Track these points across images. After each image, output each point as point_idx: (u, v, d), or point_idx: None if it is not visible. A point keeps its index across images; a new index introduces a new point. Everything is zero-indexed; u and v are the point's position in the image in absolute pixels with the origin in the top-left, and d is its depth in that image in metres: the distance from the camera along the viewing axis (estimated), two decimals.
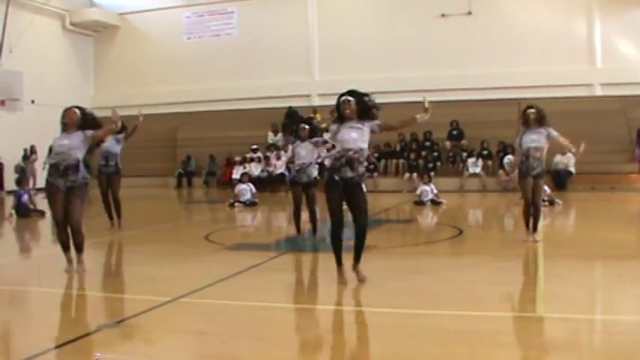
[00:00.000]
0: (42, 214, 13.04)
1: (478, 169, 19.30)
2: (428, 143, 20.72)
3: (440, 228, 11.64)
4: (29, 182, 15.31)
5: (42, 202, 14.38)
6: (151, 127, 24.33)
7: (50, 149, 6.99)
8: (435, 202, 14.51)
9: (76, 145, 6.80)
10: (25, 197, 13.19)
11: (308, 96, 23.56)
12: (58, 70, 24.52)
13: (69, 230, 6.85)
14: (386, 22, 22.85)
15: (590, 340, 4.58)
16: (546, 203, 12.53)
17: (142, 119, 10.73)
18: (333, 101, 6.39)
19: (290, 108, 22.09)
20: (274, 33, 24.09)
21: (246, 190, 15.21)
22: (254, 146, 21.51)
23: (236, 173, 20.13)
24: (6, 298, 6.02)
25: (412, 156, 20.23)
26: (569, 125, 17.56)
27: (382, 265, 7.11)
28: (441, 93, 21.73)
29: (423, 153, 20.38)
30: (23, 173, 19.41)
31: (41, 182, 19.36)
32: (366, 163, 6.06)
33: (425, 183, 15.06)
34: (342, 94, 6.14)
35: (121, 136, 10.49)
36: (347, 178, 5.95)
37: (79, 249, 6.90)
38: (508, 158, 18.40)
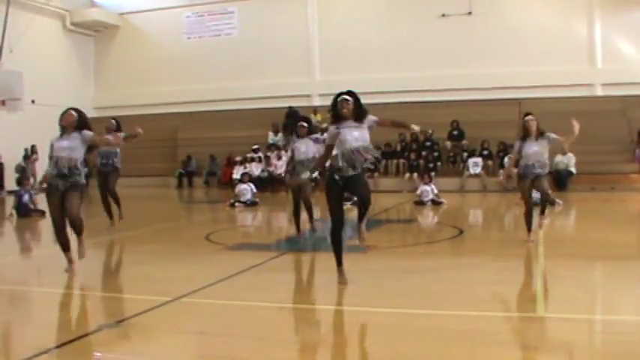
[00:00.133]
0: (42, 213, 13.03)
1: (478, 170, 19.29)
2: (428, 143, 20.71)
3: (440, 228, 11.64)
4: (30, 182, 15.27)
5: (42, 202, 14.39)
6: (152, 127, 24.32)
7: (51, 154, 6.97)
8: (435, 202, 14.51)
9: (75, 146, 6.82)
10: (26, 197, 13.19)
11: (308, 96, 23.56)
12: (58, 70, 24.53)
13: (67, 227, 6.87)
14: (386, 22, 22.85)
15: (591, 340, 4.58)
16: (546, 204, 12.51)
17: (141, 132, 10.69)
18: None
19: (290, 108, 22.11)
20: (274, 33, 24.10)
21: (247, 190, 15.21)
22: (255, 146, 21.52)
23: (236, 173, 20.13)
24: (6, 298, 6.03)
25: (412, 156, 20.23)
26: (570, 125, 17.64)
27: (382, 265, 7.11)
28: (442, 93, 21.82)
29: (424, 153, 20.38)
30: (24, 173, 19.42)
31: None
32: (372, 159, 6.06)
33: (425, 183, 15.06)
34: (340, 94, 6.15)
35: (120, 134, 10.45)
36: (348, 176, 5.96)
37: (79, 232, 6.92)
38: (509, 157, 18.39)
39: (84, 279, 6.72)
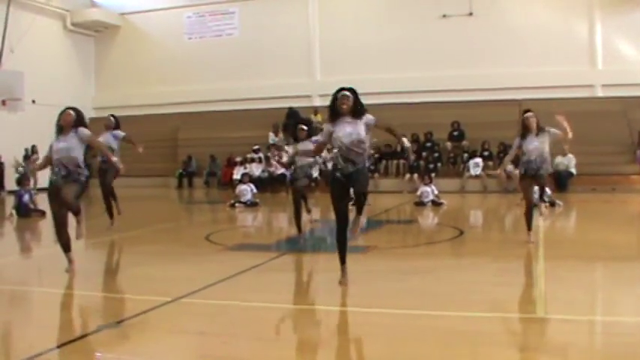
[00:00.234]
0: (42, 214, 13.04)
1: (479, 171, 19.29)
2: (429, 144, 20.72)
3: (440, 229, 11.64)
4: (30, 182, 15.27)
5: (43, 202, 14.38)
6: (152, 127, 24.43)
7: (49, 154, 6.98)
8: (435, 203, 14.50)
9: (73, 145, 6.81)
10: (26, 197, 13.19)
11: (309, 96, 23.56)
12: (59, 71, 24.54)
13: (69, 227, 6.88)
14: (387, 23, 22.85)
15: (591, 341, 4.58)
16: (547, 204, 12.50)
17: (141, 151, 10.68)
18: None
19: (291, 108, 22.13)
20: (275, 33, 24.10)
21: (247, 190, 15.20)
22: (255, 146, 21.52)
23: (237, 173, 20.13)
24: (6, 298, 6.03)
25: (413, 157, 20.22)
26: (570, 126, 17.64)
27: (383, 266, 7.11)
28: (442, 94, 21.82)
29: (424, 154, 20.37)
30: (24, 173, 19.41)
31: (42, 182, 19.41)
32: (366, 151, 6.05)
33: (426, 184, 15.05)
34: (340, 90, 6.14)
35: (119, 132, 10.42)
36: (348, 173, 5.96)
37: (76, 212, 6.91)
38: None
39: (84, 279, 6.72)
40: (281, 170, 19.91)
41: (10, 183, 20.40)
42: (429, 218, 13.06)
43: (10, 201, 15.17)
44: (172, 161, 23.96)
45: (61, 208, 6.83)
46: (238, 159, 21.49)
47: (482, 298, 5.58)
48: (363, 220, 6.23)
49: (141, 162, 22.44)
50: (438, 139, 20.72)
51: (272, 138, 22.27)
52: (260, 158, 21.16)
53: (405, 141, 6.51)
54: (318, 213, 9.33)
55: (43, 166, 7.36)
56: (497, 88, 21.06)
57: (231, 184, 19.92)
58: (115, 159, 7.29)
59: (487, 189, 18.87)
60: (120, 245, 9.62)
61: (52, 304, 5.76)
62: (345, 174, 5.96)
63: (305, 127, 9.21)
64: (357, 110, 6.08)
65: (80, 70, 26.44)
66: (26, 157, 21.27)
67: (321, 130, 6.42)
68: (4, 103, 20.24)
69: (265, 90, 23.76)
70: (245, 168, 20.64)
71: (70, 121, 6.90)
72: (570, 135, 8.33)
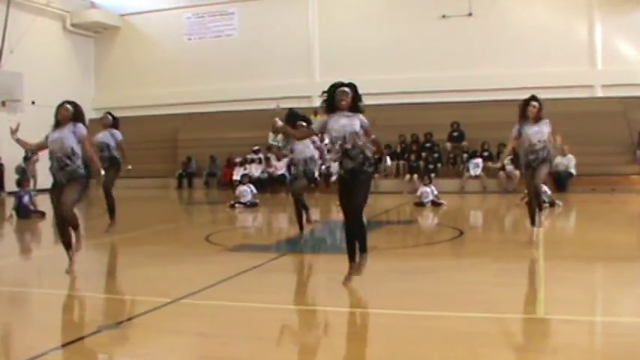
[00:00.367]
0: (42, 215, 13.04)
1: (479, 171, 19.29)
2: (428, 144, 20.72)
3: (440, 229, 11.63)
4: (30, 183, 15.27)
5: (42, 204, 14.38)
6: (152, 128, 24.46)
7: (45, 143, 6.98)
8: (435, 204, 14.49)
9: (66, 135, 6.79)
10: (26, 198, 13.19)
11: (309, 97, 23.54)
12: (58, 72, 24.53)
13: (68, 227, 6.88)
14: (386, 24, 22.86)
15: (591, 341, 4.58)
16: (547, 204, 12.51)
17: (130, 168, 10.60)
18: None
19: (291, 109, 22.06)
20: (275, 34, 24.11)
21: (247, 191, 15.20)
22: (255, 147, 21.52)
23: (236, 174, 20.14)
24: (6, 299, 6.02)
25: (413, 157, 20.23)
26: (570, 127, 17.65)
27: (382, 267, 7.09)
28: (442, 94, 21.83)
29: (424, 154, 20.38)
30: (24, 174, 19.41)
31: (42, 183, 19.42)
32: (359, 153, 5.97)
33: (425, 184, 15.04)
34: (339, 85, 6.12)
35: (117, 134, 10.33)
36: (349, 169, 5.94)
37: (74, 227, 6.89)
38: (509, 159, 18.39)
39: (84, 280, 6.71)
40: (281, 171, 19.93)
41: (10, 184, 20.39)
42: (428, 219, 13.06)
43: (10, 202, 15.16)
44: (172, 162, 23.97)
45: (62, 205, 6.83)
46: (238, 160, 21.50)
47: (483, 299, 5.58)
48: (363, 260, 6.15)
49: (141, 163, 22.53)
50: (437, 140, 20.72)
51: (272, 138, 22.25)
52: (260, 159, 21.17)
53: (388, 159, 6.48)
54: (318, 213, 9.31)
55: (37, 148, 7.31)
56: (497, 89, 21.05)
57: (230, 184, 19.93)
58: (102, 171, 7.18)
59: (486, 189, 18.87)
60: (120, 246, 9.61)
61: (52, 305, 5.76)
62: (346, 170, 5.95)
63: (304, 124, 9.18)
64: (356, 106, 6.07)
65: (80, 71, 26.44)
66: (26, 158, 21.25)
67: (320, 135, 6.42)
68: (3, 104, 20.25)
69: (265, 91, 23.73)
70: (245, 169, 20.65)
71: (67, 116, 6.89)
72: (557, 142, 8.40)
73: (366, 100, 6.26)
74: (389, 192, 18.79)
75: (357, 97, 6.08)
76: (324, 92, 6.25)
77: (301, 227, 9.25)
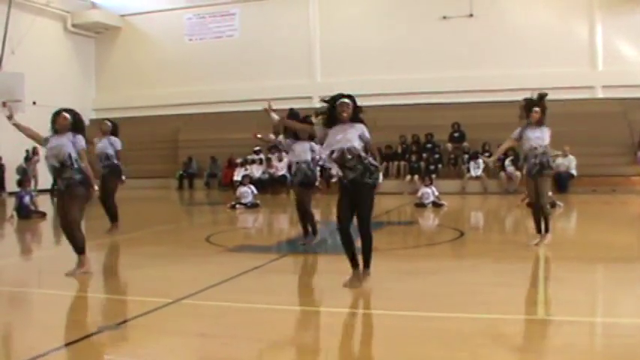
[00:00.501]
0: (43, 215, 13.05)
1: (479, 172, 19.29)
2: (429, 145, 20.73)
3: (441, 230, 11.64)
4: (31, 183, 15.27)
5: (43, 204, 14.39)
6: (153, 128, 24.48)
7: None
8: (436, 204, 14.50)
9: (65, 143, 6.75)
10: (27, 198, 13.19)
11: (309, 98, 23.54)
12: (59, 72, 24.56)
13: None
14: (387, 24, 22.86)
15: (592, 342, 4.58)
16: (547, 205, 12.49)
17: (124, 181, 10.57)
18: None
19: (291, 110, 22.05)
20: (276, 35, 24.12)
21: (248, 192, 15.19)
22: (256, 147, 21.53)
23: (237, 175, 20.14)
24: (6, 300, 6.03)
25: (413, 158, 20.23)
26: (571, 127, 17.69)
27: (383, 267, 7.09)
28: (443, 95, 21.84)
29: (425, 155, 20.38)
30: (25, 174, 19.43)
31: (43, 184, 19.44)
32: (359, 164, 5.93)
33: (426, 185, 15.04)
34: (339, 97, 6.13)
35: (116, 141, 10.30)
36: (350, 179, 5.95)
37: (80, 250, 6.86)
38: (509, 160, 18.41)
39: (84, 281, 6.71)
40: (282, 172, 19.94)
41: (11, 184, 20.39)
42: (429, 219, 13.06)
43: (10, 202, 15.17)
44: (173, 162, 23.98)
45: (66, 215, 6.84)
46: (239, 160, 21.50)
47: (483, 300, 5.58)
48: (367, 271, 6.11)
49: (141, 163, 22.57)
50: (438, 141, 20.73)
51: (270, 137, 22.23)
52: (261, 160, 21.16)
53: (380, 176, 6.46)
54: (319, 214, 9.30)
55: (37, 139, 7.24)
56: (498, 90, 21.05)
57: (231, 185, 19.93)
58: (95, 185, 7.13)
59: (487, 190, 18.87)
60: (120, 247, 9.61)
61: (53, 306, 5.76)
62: (348, 180, 5.96)
63: (307, 127, 9.15)
64: (356, 117, 6.08)
65: (81, 71, 26.46)
66: (27, 159, 21.29)
67: (318, 139, 6.41)
68: (4, 104, 20.23)
69: (265, 91, 23.60)
70: (246, 169, 20.65)
71: (65, 125, 6.84)
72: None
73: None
74: (390, 193, 18.78)
75: (357, 108, 6.09)
76: (323, 101, 6.26)
77: (305, 230, 9.17)
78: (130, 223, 11.17)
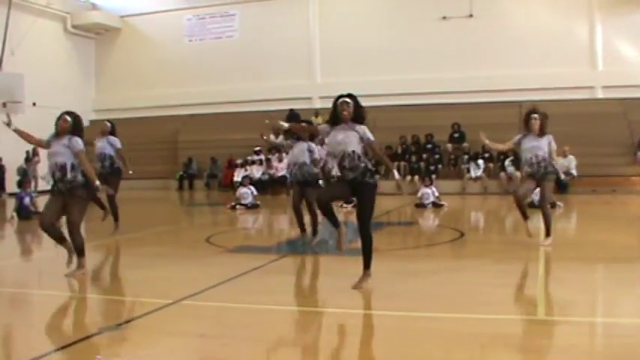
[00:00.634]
0: None
1: (479, 172, 19.30)
2: (429, 146, 20.73)
3: (441, 230, 11.64)
4: (31, 184, 15.27)
5: (43, 205, 14.37)
6: (153, 129, 24.48)
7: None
8: (436, 205, 14.50)
9: (60, 151, 6.74)
10: (27, 200, 13.20)
11: (309, 98, 23.58)
12: (59, 73, 24.57)
13: (65, 233, 6.86)
14: (387, 25, 22.88)
15: (592, 342, 4.58)
16: (547, 206, 12.49)
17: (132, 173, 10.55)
18: None
19: (291, 110, 22.12)
20: (275, 35, 24.14)
21: (248, 193, 15.20)
22: (257, 148, 21.54)
23: (237, 176, 20.15)
24: (7, 301, 6.03)
25: (413, 158, 20.24)
26: (571, 128, 17.69)
27: (383, 268, 7.09)
28: (442, 95, 21.85)
29: (425, 155, 20.38)
30: (25, 175, 19.44)
31: (43, 185, 19.42)
32: (360, 164, 5.95)
33: (426, 185, 15.05)
34: (340, 96, 6.15)
35: (116, 141, 10.29)
36: (350, 179, 5.96)
37: (79, 252, 6.85)
38: (509, 160, 18.42)
39: (84, 282, 6.71)
40: (282, 172, 19.93)
41: (11, 185, 20.41)
42: (429, 220, 13.06)
43: (10, 203, 15.17)
44: (173, 163, 23.98)
45: (53, 217, 6.84)
46: (239, 161, 21.51)
47: (483, 300, 5.58)
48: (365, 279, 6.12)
49: (141, 164, 22.54)
50: (438, 141, 20.74)
51: (272, 140, 22.23)
52: (261, 160, 21.16)
53: (396, 173, 6.49)
54: (318, 215, 9.29)
55: (37, 143, 7.30)
56: (498, 90, 21.09)
57: (231, 186, 19.94)
58: (97, 183, 7.10)
59: (487, 190, 18.88)
60: (120, 247, 9.62)
61: (53, 307, 5.76)
62: (347, 180, 5.97)
63: (306, 125, 9.16)
64: (358, 116, 6.08)
65: (80, 72, 26.47)
66: (27, 160, 21.30)
67: (320, 139, 6.42)
68: (4, 105, 20.24)
69: (265, 92, 23.79)
70: (246, 170, 20.66)
71: (66, 128, 6.83)
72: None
73: (367, 102, 6.27)
74: (389, 193, 18.75)
75: (358, 106, 6.10)
76: (317, 115, 6.35)
77: (302, 228, 9.22)
78: (131, 223, 11.17)
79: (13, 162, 21.05)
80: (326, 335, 4.93)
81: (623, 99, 20.14)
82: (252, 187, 15.55)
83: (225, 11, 25.40)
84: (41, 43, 23.32)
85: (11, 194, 18.97)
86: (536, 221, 8.84)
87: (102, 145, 10.22)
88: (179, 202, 19.85)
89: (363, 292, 5.92)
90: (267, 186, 20.11)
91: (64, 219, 6.89)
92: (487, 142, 9.26)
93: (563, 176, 9.63)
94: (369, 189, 6.03)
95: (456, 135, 20.74)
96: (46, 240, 10.76)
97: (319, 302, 6.09)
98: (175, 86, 25.26)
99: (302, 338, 4.86)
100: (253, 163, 21.18)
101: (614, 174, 18.22)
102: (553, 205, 13.36)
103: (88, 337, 4.61)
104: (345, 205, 13.31)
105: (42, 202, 14.51)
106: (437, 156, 20.38)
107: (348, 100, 6.08)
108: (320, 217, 9.13)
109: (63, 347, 4.41)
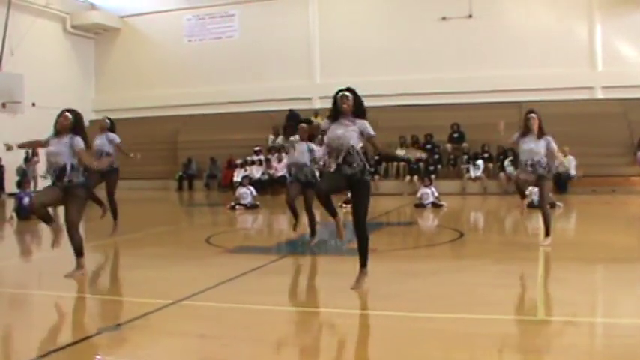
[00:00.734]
0: None
1: (479, 173, 19.30)
2: (429, 146, 20.72)
3: (441, 231, 11.64)
4: (30, 185, 15.27)
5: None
6: (152, 129, 24.47)
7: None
8: (435, 205, 14.50)
9: (62, 151, 6.69)
10: (26, 200, 13.18)
11: (309, 99, 23.58)
12: (59, 73, 24.57)
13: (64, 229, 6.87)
14: (386, 25, 22.89)
15: (592, 343, 4.58)
16: (547, 206, 12.49)
17: (136, 156, 10.50)
18: None
19: (291, 111, 22.14)
20: (275, 36, 24.14)
21: (247, 194, 15.20)
22: (257, 148, 21.55)
23: (237, 176, 20.15)
24: (6, 301, 6.02)
25: (419, 154, 20.19)
26: (570, 128, 17.70)
27: (383, 268, 7.09)
28: (442, 96, 21.85)
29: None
30: (25, 176, 19.43)
31: (43, 185, 19.40)
32: (358, 161, 5.93)
33: (426, 186, 15.05)
34: (340, 90, 6.15)
35: (115, 137, 10.26)
36: (348, 175, 5.94)
37: (78, 252, 6.84)
38: (509, 160, 18.43)
39: (84, 282, 6.71)
40: (281, 172, 19.93)
41: (11, 186, 20.41)
42: (429, 220, 13.06)
43: (10, 204, 15.17)
44: (172, 164, 23.97)
45: (46, 206, 6.83)
46: (238, 161, 21.51)
47: (483, 300, 5.58)
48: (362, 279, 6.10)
49: (141, 165, 22.50)
50: (438, 141, 20.75)
51: (272, 140, 22.28)
52: (260, 161, 21.16)
53: (399, 153, 6.43)
54: (318, 215, 9.30)
55: (38, 145, 7.31)
56: (497, 90, 21.10)
57: (231, 186, 19.94)
58: (100, 163, 7.03)
59: (487, 191, 18.88)
60: (120, 248, 9.61)
61: (53, 307, 5.76)
62: (344, 175, 5.95)
63: (306, 126, 9.17)
64: (359, 110, 6.07)
65: (80, 72, 26.47)
66: (27, 160, 21.29)
67: (321, 132, 6.39)
68: (4, 105, 20.26)
69: (265, 92, 23.79)
70: (245, 170, 20.66)
71: (66, 126, 6.78)
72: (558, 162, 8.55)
73: (366, 102, 6.26)
74: (389, 193, 18.79)
75: (358, 100, 6.09)
76: (317, 115, 6.33)
77: (295, 216, 9.17)
78: (130, 224, 11.16)
79: (13, 162, 21.02)
80: (326, 335, 4.93)
81: (622, 99, 20.14)
82: (251, 188, 15.55)
83: (225, 11, 25.40)
84: (41, 43, 23.31)
85: (11, 195, 18.97)
86: (536, 221, 8.84)
87: (101, 142, 10.18)
88: (179, 203, 19.85)
89: (363, 293, 5.92)
90: (267, 186, 20.11)
91: (63, 220, 6.88)
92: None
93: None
94: (366, 187, 6.03)
95: (456, 135, 20.75)
96: (46, 240, 10.76)
97: (319, 302, 6.09)
98: (175, 86, 25.26)
99: (302, 338, 4.86)
100: (253, 163, 21.19)
101: (614, 174, 18.23)
102: (553, 206, 13.36)
103: (87, 338, 4.61)
104: (345, 206, 13.31)
105: None
106: (436, 156, 20.39)
107: (347, 93, 6.07)
108: (318, 218, 9.16)
109: (63, 347, 4.40)
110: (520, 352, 4.29)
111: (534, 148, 8.18)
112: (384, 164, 20.55)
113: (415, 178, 19.25)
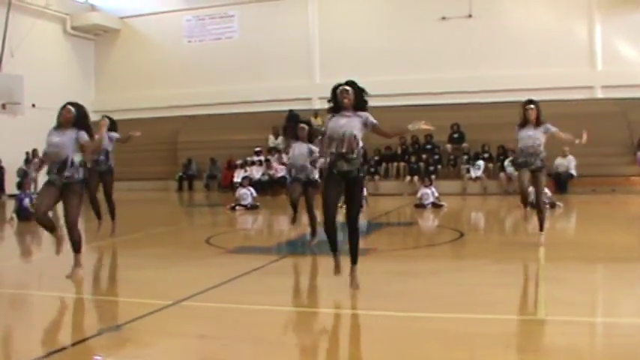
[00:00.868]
0: None
1: (479, 173, 19.30)
2: (429, 146, 20.74)
3: (441, 231, 11.64)
4: (30, 186, 15.26)
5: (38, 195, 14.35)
6: (152, 130, 24.38)
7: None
8: (435, 205, 14.50)
9: (66, 143, 6.65)
10: (26, 201, 13.19)
11: (309, 99, 23.57)
12: (59, 74, 24.56)
13: (63, 227, 6.86)
14: (386, 25, 22.88)
15: (592, 342, 4.58)
16: (547, 206, 12.49)
17: (139, 134, 10.49)
18: None
19: (291, 111, 22.14)
20: (275, 36, 24.13)
21: (247, 194, 15.21)
22: (257, 148, 21.54)
23: (237, 176, 20.15)
24: (6, 302, 6.02)
25: (413, 159, 20.24)
26: (570, 128, 17.57)
27: (383, 268, 7.10)
28: (442, 96, 21.83)
29: (424, 156, 20.39)
30: (25, 177, 19.43)
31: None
32: (358, 153, 5.90)
33: (426, 186, 15.06)
34: (340, 84, 6.12)
35: (114, 134, 10.25)
36: (344, 171, 5.88)
37: (76, 248, 6.81)
38: (509, 161, 18.42)
39: (84, 283, 6.71)
40: (281, 173, 19.94)
41: (11, 187, 20.41)
42: (429, 220, 13.06)
43: (10, 205, 15.17)
44: (172, 164, 23.97)
45: (47, 209, 6.83)
46: (239, 162, 21.51)
47: (483, 300, 5.58)
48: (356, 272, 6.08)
49: (141, 165, 22.58)
50: (438, 142, 20.74)
51: (272, 141, 22.28)
52: (260, 161, 21.16)
53: (410, 126, 6.17)
54: (319, 215, 9.30)
55: (40, 166, 7.31)
56: (497, 90, 21.07)
57: (231, 187, 19.93)
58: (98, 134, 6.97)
59: (487, 191, 18.88)
60: (120, 248, 9.61)
61: (53, 308, 5.76)
62: (340, 172, 5.90)
63: (306, 126, 9.18)
64: (360, 103, 6.03)
65: (80, 73, 26.47)
66: (27, 161, 21.29)
67: (321, 132, 6.37)
68: (3, 106, 20.27)
69: (265, 92, 23.78)
70: (245, 171, 20.65)
71: (69, 119, 6.72)
72: (581, 141, 8.52)
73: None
74: (389, 194, 18.80)
75: (358, 93, 6.04)
76: (317, 116, 6.27)
77: (295, 209, 9.18)
78: (130, 224, 11.17)
79: (13, 163, 21.05)
80: (326, 336, 4.93)
81: (622, 99, 20.12)
82: (251, 188, 15.56)
83: (225, 12, 25.39)
84: (40, 44, 23.32)
85: (11, 196, 18.97)
86: (536, 221, 8.83)
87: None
88: (179, 203, 19.85)
89: (363, 293, 5.91)
90: (267, 187, 20.11)
91: (63, 220, 6.88)
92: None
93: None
94: (361, 183, 6.03)
95: (456, 135, 20.75)
96: (46, 241, 10.77)
97: (319, 303, 6.08)
98: (175, 87, 25.25)
99: (302, 339, 4.86)
100: (253, 163, 21.19)
101: (614, 174, 18.22)
102: (553, 206, 13.38)
103: (87, 338, 4.61)
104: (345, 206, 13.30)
105: None
106: (436, 156, 20.40)
107: (347, 87, 6.04)
108: (319, 218, 9.15)
109: (63, 348, 4.40)
110: (520, 352, 4.29)
111: (533, 134, 8.26)
112: (384, 164, 20.55)
113: (415, 178, 19.25)
